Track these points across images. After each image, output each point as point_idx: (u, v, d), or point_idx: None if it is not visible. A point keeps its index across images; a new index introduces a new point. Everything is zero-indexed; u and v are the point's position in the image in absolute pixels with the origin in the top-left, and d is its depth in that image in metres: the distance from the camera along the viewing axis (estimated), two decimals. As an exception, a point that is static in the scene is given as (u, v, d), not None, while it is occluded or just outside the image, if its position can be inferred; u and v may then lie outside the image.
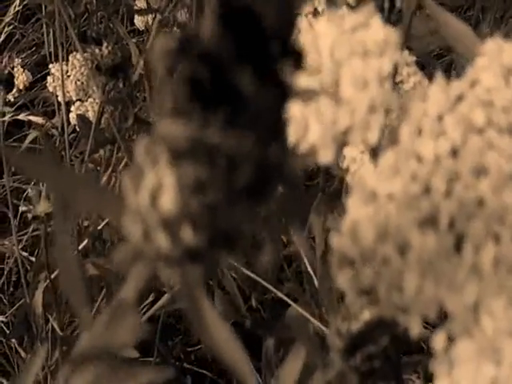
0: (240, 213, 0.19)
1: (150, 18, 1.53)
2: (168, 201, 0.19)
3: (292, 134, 0.27)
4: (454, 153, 0.28)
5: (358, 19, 0.29)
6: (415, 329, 0.26)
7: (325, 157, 0.27)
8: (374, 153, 0.29)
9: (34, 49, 1.75)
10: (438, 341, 0.26)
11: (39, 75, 1.56)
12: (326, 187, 0.69)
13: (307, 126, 0.27)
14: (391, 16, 0.52)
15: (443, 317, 0.26)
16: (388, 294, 0.26)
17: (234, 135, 0.18)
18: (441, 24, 0.49)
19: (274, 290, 0.91)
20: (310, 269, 0.61)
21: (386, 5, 0.52)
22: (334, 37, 0.28)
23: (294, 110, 0.27)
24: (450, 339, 0.26)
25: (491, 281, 0.26)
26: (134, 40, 1.64)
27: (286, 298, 0.86)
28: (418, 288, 0.26)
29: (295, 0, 0.17)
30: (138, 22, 1.63)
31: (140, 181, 0.20)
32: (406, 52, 0.76)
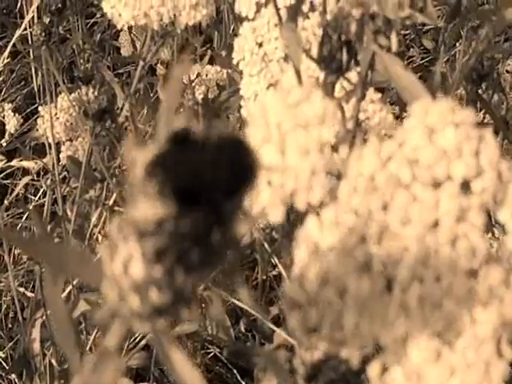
0: (193, 276, 0.24)
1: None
2: (137, 269, 0.24)
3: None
4: (385, 207, 0.33)
5: (301, 94, 0.34)
6: (355, 360, 0.31)
7: (274, 217, 0.32)
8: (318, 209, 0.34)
9: (22, 83, 1.79)
10: (373, 368, 0.30)
11: (29, 109, 1.60)
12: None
13: (258, 191, 0.32)
14: (349, 66, 0.57)
15: (378, 348, 0.31)
16: (331, 332, 0.31)
17: (187, 218, 0.23)
18: (392, 75, 0.54)
19: (261, 317, 0.96)
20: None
21: (344, 57, 0.57)
22: (280, 111, 0.33)
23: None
24: (384, 367, 0.31)
25: (417, 317, 0.31)
26: (120, 70, 1.70)
27: (271, 325, 0.91)
28: (355, 325, 0.30)
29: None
30: (125, 53, 1.69)
31: (114, 253, 0.25)
32: (372, 90, 0.81)
